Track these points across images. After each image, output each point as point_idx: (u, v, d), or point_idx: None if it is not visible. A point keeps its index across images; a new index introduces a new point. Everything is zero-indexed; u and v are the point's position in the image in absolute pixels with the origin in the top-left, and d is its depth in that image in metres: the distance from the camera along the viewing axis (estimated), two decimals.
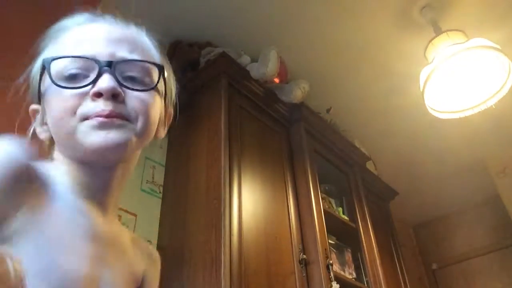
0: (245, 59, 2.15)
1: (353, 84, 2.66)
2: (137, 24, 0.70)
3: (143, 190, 1.85)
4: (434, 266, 3.74)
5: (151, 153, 1.96)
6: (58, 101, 0.58)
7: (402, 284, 2.59)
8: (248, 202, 1.74)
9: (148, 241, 1.72)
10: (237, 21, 2.28)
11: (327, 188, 2.43)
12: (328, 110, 2.62)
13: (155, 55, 0.68)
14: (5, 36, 1.64)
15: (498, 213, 3.38)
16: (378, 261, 2.24)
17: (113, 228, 0.63)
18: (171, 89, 0.72)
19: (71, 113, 0.57)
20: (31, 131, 0.66)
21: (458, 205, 3.71)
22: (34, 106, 0.65)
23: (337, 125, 2.64)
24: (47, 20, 0.69)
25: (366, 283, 2.16)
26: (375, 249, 2.29)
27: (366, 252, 2.22)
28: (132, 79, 0.61)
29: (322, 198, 2.12)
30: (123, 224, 1.68)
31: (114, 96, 0.57)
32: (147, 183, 1.87)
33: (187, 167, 1.89)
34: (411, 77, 2.46)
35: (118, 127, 0.57)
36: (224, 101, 1.90)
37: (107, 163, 0.60)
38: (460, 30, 2.15)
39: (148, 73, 0.63)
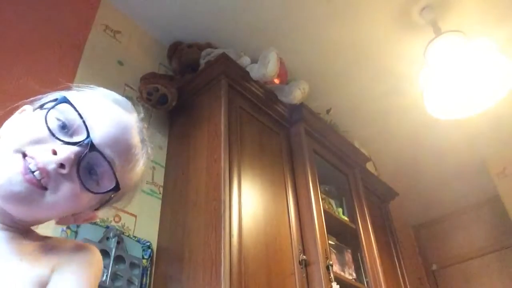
0: (245, 60, 2.15)
1: (353, 85, 2.66)
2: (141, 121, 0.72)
3: (143, 191, 1.85)
4: (434, 267, 3.74)
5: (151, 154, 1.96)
6: (31, 125, 0.61)
7: (402, 284, 2.59)
8: (248, 203, 1.74)
9: (148, 241, 1.72)
10: (237, 22, 2.28)
11: (327, 188, 2.43)
12: (328, 111, 2.63)
13: (139, 175, 0.70)
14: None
15: (498, 214, 3.38)
16: (378, 262, 2.24)
17: (15, 244, 0.62)
18: (122, 194, 0.70)
19: (22, 141, 0.59)
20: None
21: (458, 205, 3.71)
22: (26, 107, 0.67)
23: (337, 125, 2.65)
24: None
25: (366, 284, 2.16)
26: (375, 249, 2.29)
27: (366, 253, 2.22)
28: (91, 173, 0.62)
29: (322, 199, 2.12)
30: (123, 226, 1.68)
31: (61, 166, 0.58)
32: (147, 183, 1.87)
33: (187, 168, 1.89)
34: (411, 78, 2.47)
35: (28, 188, 0.57)
36: (224, 102, 1.90)
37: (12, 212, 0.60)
38: (459, 31, 2.15)
39: (107, 181, 0.63)
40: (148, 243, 1.71)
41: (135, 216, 1.75)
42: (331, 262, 1.83)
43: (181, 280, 1.59)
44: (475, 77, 2.11)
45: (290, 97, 2.21)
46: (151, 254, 1.70)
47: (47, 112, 0.61)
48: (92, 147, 0.60)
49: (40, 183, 0.57)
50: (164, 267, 1.70)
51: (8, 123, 0.66)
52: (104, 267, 1.45)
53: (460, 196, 3.60)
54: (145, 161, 0.71)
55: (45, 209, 0.60)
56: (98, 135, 0.61)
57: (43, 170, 0.57)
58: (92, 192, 0.62)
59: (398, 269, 2.65)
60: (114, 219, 1.66)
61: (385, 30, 2.35)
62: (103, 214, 0.72)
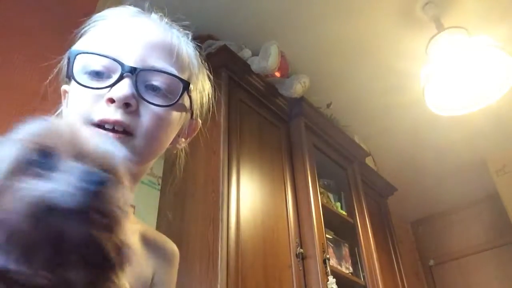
0: (246, 53, 2.15)
1: (354, 80, 2.65)
2: (182, 29, 0.70)
3: (142, 182, 1.86)
4: (431, 262, 3.76)
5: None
6: (76, 95, 0.58)
7: (399, 279, 2.60)
8: (246, 196, 1.74)
9: None
10: (239, 14, 2.27)
11: (325, 183, 2.43)
12: (328, 105, 2.62)
13: (192, 65, 0.66)
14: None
15: (496, 211, 3.38)
16: (375, 256, 2.25)
17: None
18: (201, 101, 0.69)
19: (83, 113, 0.56)
20: (59, 110, 0.66)
21: (456, 202, 3.71)
22: (65, 87, 0.65)
23: (337, 120, 2.64)
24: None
25: (363, 278, 2.17)
26: (372, 244, 2.30)
27: (363, 247, 2.23)
28: (154, 88, 0.58)
29: (320, 193, 2.13)
30: None
31: (126, 105, 0.55)
32: (146, 174, 1.88)
33: (186, 160, 1.89)
34: (412, 74, 2.46)
35: (125, 141, 0.55)
36: (224, 94, 1.90)
37: None
38: (462, 27, 2.14)
39: (174, 86, 0.60)
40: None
41: (134, 207, 1.76)
42: (328, 256, 1.84)
43: (178, 271, 1.59)
44: (476, 74, 2.11)
45: (290, 91, 2.20)
46: None
47: (73, 76, 0.58)
48: (134, 70, 0.56)
49: (125, 132, 0.55)
50: None
51: (64, 111, 0.65)
52: None
53: (459, 193, 3.60)
54: (186, 40, 0.69)
55: (147, 146, 0.58)
56: (131, 57, 0.58)
57: (116, 122, 0.55)
58: (168, 106, 0.59)
59: (395, 264, 2.66)
60: None
61: (387, 25, 2.33)
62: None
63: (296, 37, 2.38)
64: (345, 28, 2.35)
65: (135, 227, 0.66)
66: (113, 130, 0.55)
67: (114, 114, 0.55)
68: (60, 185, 0.31)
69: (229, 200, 1.64)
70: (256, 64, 2.07)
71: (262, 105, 2.13)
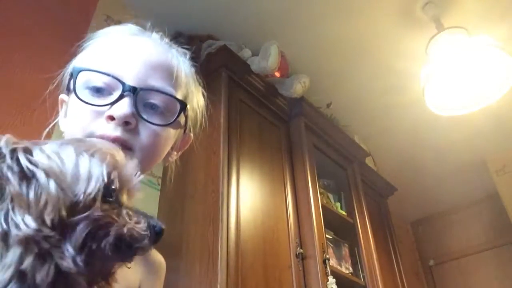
0: (246, 53, 2.15)
1: (354, 80, 2.65)
2: (180, 47, 0.72)
3: (142, 182, 1.85)
4: (431, 262, 3.76)
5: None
6: (77, 110, 0.60)
7: (399, 279, 2.60)
8: (246, 196, 1.74)
9: None
10: (239, 14, 2.27)
11: (325, 183, 2.43)
12: (328, 105, 2.62)
13: (189, 84, 0.69)
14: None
15: (496, 211, 3.38)
16: (375, 257, 2.25)
17: None
18: (196, 117, 0.72)
19: (83, 128, 0.58)
20: (57, 119, 0.68)
21: (456, 202, 3.71)
22: (63, 97, 0.67)
23: (337, 120, 2.64)
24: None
25: (363, 278, 2.17)
26: (372, 244, 2.30)
27: (363, 247, 2.23)
28: (153, 107, 0.61)
29: (320, 193, 2.13)
30: None
31: (126, 123, 0.58)
32: (146, 175, 1.88)
33: (185, 159, 1.89)
34: (412, 74, 2.46)
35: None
36: (224, 94, 1.90)
37: None
38: (462, 27, 2.14)
39: (171, 105, 0.63)
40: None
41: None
42: (328, 256, 1.84)
43: (178, 271, 1.60)
44: (476, 74, 2.11)
45: (290, 91, 2.20)
46: None
47: (75, 92, 0.60)
48: (134, 89, 0.59)
49: (124, 147, 0.57)
50: None
51: (61, 121, 0.67)
52: None
53: (459, 193, 3.60)
54: (184, 60, 0.71)
55: (145, 161, 0.60)
56: (131, 76, 0.60)
57: (117, 139, 0.57)
58: (166, 125, 0.62)
59: (395, 264, 2.66)
60: None
61: (387, 25, 2.33)
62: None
63: (296, 37, 2.38)
64: (345, 28, 2.35)
65: None
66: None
67: (114, 131, 0.57)
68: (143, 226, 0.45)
69: (229, 200, 1.64)
70: (256, 64, 2.07)
71: (262, 105, 2.13)
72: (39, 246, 0.34)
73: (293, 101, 2.25)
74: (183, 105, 0.64)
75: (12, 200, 0.35)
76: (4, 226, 0.34)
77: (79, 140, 0.45)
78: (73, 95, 0.61)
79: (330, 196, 2.40)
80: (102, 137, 0.56)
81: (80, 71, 0.60)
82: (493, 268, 3.41)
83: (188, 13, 2.26)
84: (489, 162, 3.30)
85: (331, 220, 2.15)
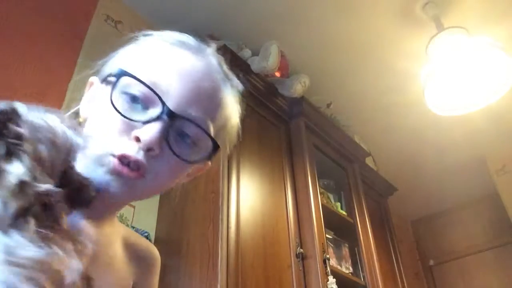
0: (246, 53, 2.15)
1: (354, 80, 2.65)
2: (230, 69, 0.66)
3: None
4: (431, 262, 3.76)
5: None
6: (106, 113, 0.55)
7: (399, 279, 2.60)
8: (246, 196, 1.74)
9: (146, 232, 1.72)
10: (239, 14, 2.27)
11: (325, 183, 2.43)
12: (328, 105, 2.62)
13: (230, 116, 0.66)
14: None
15: (496, 211, 3.39)
16: (375, 256, 2.25)
17: (102, 237, 0.59)
18: (225, 151, 0.68)
19: (107, 141, 0.54)
20: (81, 100, 0.63)
21: (456, 201, 3.72)
22: (94, 79, 0.62)
23: (337, 120, 2.64)
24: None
25: (363, 278, 2.17)
26: (372, 244, 2.30)
27: (363, 247, 2.23)
28: (183, 136, 0.56)
29: (320, 193, 2.13)
30: (121, 216, 1.68)
31: (150, 149, 0.53)
32: None
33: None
34: (412, 74, 2.46)
35: (126, 180, 0.53)
36: None
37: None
38: (462, 27, 2.14)
39: (203, 141, 0.57)
40: (146, 234, 1.72)
41: (134, 207, 1.76)
42: (328, 256, 1.84)
43: (178, 271, 1.60)
44: (476, 74, 2.11)
45: (290, 91, 2.20)
46: None
47: (111, 95, 0.54)
48: (172, 115, 0.53)
49: (138, 171, 0.53)
50: (162, 257, 1.70)
51: (84, 106, 0.61)
52: None
53: (459, 192, 3.60)
54: (235, 96, 0.66)
55: (151, 190, 0.57)
56: (175, 99, 0.54)
57: (137, 161, 0.52)
58: (192, 162, 0.57)
59: (395, 264, 2.66)
60: None
61: (387, 25, 2.33)
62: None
63: (296, 37, 2.38)
64: (345, 28, 2.35)
65: (118, 230, 0.65)
66: (128, 165, 0.53)
67: (137, 153, 0.53)
68: None
69: (229, 201, 1.64)
70: (256, 64, 2.07)
71: (262, 105, 2.13)
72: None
73: (293, 101, 2.25)
74: (216, 147, 0.59)
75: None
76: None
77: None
78: (106, 90, 0.56)
79: (330, 196, 2.40)
80: (122, 156, 0.52)
81: (125, 75, 0.55)
82: (493, 268, 3.41)
83: (188, 13, 2.26)
84: (489, 162, 3.30)
85: (331, 220, 2.15)
